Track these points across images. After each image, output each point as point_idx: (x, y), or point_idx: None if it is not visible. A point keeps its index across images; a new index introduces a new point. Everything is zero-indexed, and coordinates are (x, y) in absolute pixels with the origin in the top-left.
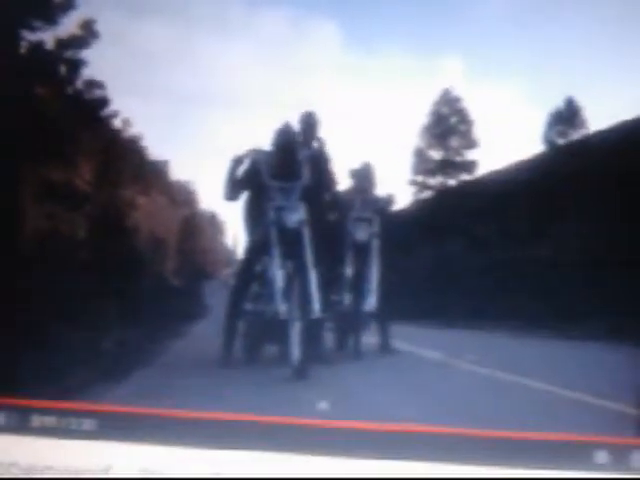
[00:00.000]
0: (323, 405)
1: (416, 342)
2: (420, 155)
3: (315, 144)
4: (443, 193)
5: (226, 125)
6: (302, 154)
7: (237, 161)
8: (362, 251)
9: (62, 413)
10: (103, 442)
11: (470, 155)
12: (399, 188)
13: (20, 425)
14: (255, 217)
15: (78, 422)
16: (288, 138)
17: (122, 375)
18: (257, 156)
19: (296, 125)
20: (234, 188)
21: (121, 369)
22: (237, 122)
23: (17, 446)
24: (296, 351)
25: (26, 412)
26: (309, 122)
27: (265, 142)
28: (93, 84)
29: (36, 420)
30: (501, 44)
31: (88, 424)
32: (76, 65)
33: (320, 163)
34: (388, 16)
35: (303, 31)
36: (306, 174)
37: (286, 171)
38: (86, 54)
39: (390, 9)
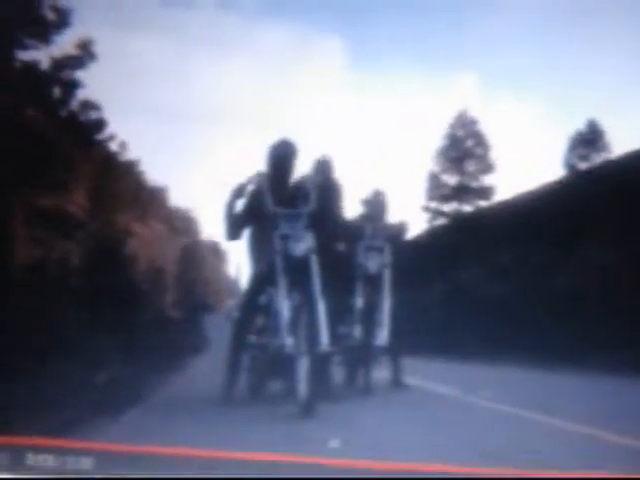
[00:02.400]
0: (332, 444)
1: (429, 377)
2: (434, 180)
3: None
4: (458, 220)
5: (229, 148)
6: (309, 179)
7: (238, 192)
8: (373, 281)
9: (58, 452)
10: None
11: (486, 180)
12: (412, 215)
13: (14, 464)
14: (260, 246)
15: (75, 461)
16: (287, 153)
17: (118, 412)
18: (259, 182)
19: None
20: (236, 224)
21: (117, 406)
22: (240, 144)
23: None
24: (303, 387)
25: (20, 451)
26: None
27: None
28: (89, 105)
29: (31, 459)
30: (518, 64)
31: (85, 463)
32: (71, 86)
33: (328, 189)
34: (396, 33)
35: (306, 48)
36: (313, 200)
37: (289, 196)
38: (82, 75)
39: (398, 25)
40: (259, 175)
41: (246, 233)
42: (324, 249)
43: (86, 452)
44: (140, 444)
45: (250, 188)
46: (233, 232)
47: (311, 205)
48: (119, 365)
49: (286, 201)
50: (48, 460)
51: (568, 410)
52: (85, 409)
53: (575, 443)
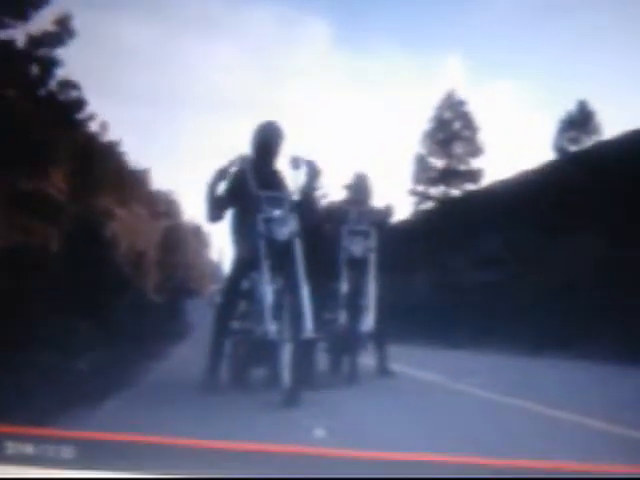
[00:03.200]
0: (318, 432)
1: (416, 364)
2: (421, 163)
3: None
4: (446, 204)
5: (211, 129)
6: (294, 161)
7: (220, 174)
8: (358, 266)
9: (38, 440)
10: (82, 471)
11: (475, 163)
12: (398, 198)
13: None
14: (243, 229)
15: (56, 449)
16: (272, 135)
17: (98, 400)
18: (243, 164)
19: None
20: (218, 206)
21: (97, 393)
22: (223, 126)
23: None
24: (287, 374)
25: (0, 439)
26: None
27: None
28: (68, 85)
29: (11, 447)
30: (505, 44)
31: (66, 452)
32: (49, 64)
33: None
34: (381, 14)
35: (291, 30)
36: (295, 185)
37: (274, 178)
38: (60, 53)
39: (384, 7)
40: (243, 157)
41: (228, 216)
42: (308, 233)
43: (67, 441)
44: (121, 433)
45: (233, 170)
46: (215, 214)
47: (295, 188)
48: (100, 351)
49: (270, 184)
50: (28, 449)
51: (556, 397)
52: (65, 397)
53: (564, 431)
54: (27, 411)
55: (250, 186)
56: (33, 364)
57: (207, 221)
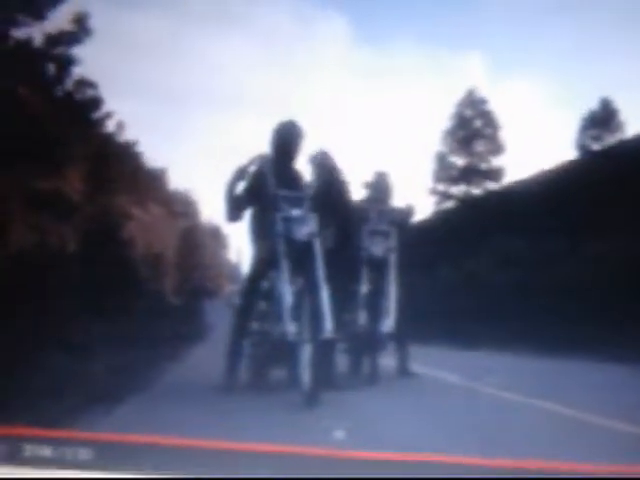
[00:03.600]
0: (337, 434)
1: (437, 365)
2: (442, 161)
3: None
4: (467, 203)
5: (230, 128)
6: (311, 159)
7: (239, 174)
8: (378, 267)
9: (56, 442)
10: (100, 472)
11: (496, 161)
12: (419, 198)
13: (12, 455)
14: (262, 229)
15: (73, 452)
16: (292, 134)
17: (115, 401)
18: (262, 164)
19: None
20: (237, 206)
21: (116, 395)
22: (241, 125)
23: (9, 478)
24: (306, 375)
25: (18, 442)
26: (319, 160)
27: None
28: (84, 83)
29: (29, 450)
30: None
31: (84, 454)
32: (66, 63)
33: (330, 171)
34: (401, 11)
35: (308, 27)
36: (316, 181)
37: (294, 178)
38: (77, 51)
39: (402, 4)
40: (262, 156)
41: (247, 216)
42: (328, 233)
43: (85, 443)
44: (139, 435)
45: (252, 169)
46: (234, 213)
47: (315, 187)
48: (117, 353)
49: (290, 183)
50: (46, 451)
51: (577, 398)
52: (83, 399)
53: (584, 432)
54: (45, 413)
55: (269, 185)
56: (50, 365)
57: (226, 221)
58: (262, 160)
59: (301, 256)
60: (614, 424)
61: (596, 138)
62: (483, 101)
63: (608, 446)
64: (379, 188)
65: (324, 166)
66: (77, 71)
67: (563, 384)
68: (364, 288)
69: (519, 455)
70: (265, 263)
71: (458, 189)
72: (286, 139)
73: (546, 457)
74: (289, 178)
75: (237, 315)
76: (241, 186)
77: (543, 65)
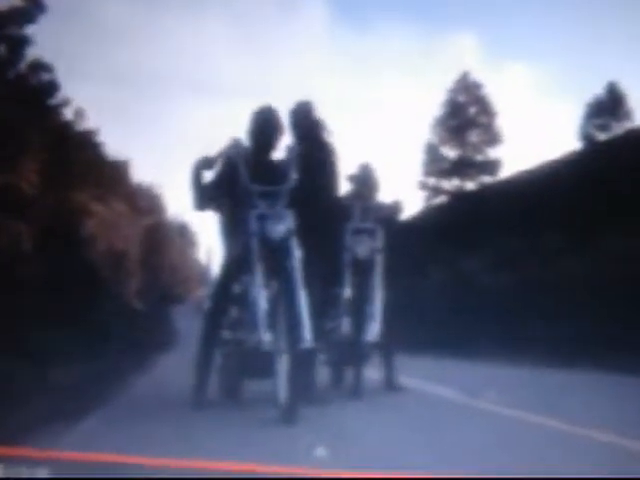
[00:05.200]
0: (318, 453)
1: (427, 377)
2: (432, 153)
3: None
4: (460, 198)
5: (201, 116)
6: (290, 149)
7: (206, 162)
8: (363, 268)
9: (11, 461)
10: None
11: (492, 153)
12: (407, 193)
13: None
14: (233, 227)
15: (30, 472)
16: (269, 121)
17: (76, 417)
18: (235, 153)
19: (284, 116)
20: (205, 195)
21: (75, 410)
22: (212, 112)
23: None
24: (284, 389)
25: None
26: (303, 112)
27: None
28: (39, 66)
29: None
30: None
31: (40, 473)
32: (19, 43)
33: (316, 159)
34: None
35: (287, 6)
36: (294, 175)
37: (270, 171)
38: (31, 30)
39: None
40: (236, 145)
41: (218, 213)
42: (307, 232)
43: (41, 462)
44: (101, 453)
45: (224, 158)
46: (202, 202)
47: (291, 180)
48: (77, 364)
49: (265, 176)
50: None
51: (584, 414)
52: (40, 413)
53: (592, 452)
54: None
55: (242, 178)
56: (6, 377)
57: (194, 209)
58: (236, 149)
59: (276, 257)
60: (624, 442)
61: (602, 127)
62: (477, 86)
63: (618, 466)
64: (363, 182)
65: (305, 120)
66: (31, 53)
67: (570, 398)
68: (347, 292)
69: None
70: (237, 265)
71: (450, 183)
72: (263, 127)
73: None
74: (265, 170)
75: (206, 322)
76: (209, 175)
77: (543, 46)
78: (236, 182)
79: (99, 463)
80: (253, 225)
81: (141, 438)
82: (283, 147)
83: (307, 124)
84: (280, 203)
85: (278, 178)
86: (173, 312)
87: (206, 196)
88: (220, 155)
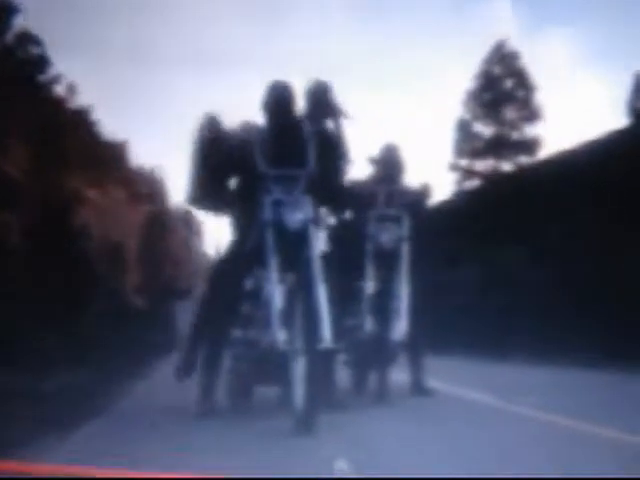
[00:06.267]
0: (338, 465)
1: (458, 380)
2: (464, 130)
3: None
4: (495, 181)
5: (209, 90)
6: (307, 130)
7: (213, 143)
8: (387, 260)
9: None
10: None
11: (531, 130)
12: (436, 176)
13: None
14: (246, 215)
15: None
16: (285, 98)
17: (67, 428)
18: (248, 132)
19: (300, 94)
20: (207, 182)
21: (67, 420)
22: (222, 86)
23: None
24: (300, 394)
25: None
26: (317, 93)
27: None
28: (28, 38)
29: None
30: None
31: None
32: (5, 12)
33: (333, 142)
34: None
35: None
36: (313, 158)
37: (287, 153)
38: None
39: None
40: (248, 124)
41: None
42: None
43: (31, 477)
44: (96, 467)
45: (234, 140)
46: (201, 192)
47: (311, 164)
48: (70, 368)
49: (281, 158)
50: None
51: (634, 421)
52: (31, 424)
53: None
54: None
55: (257, 160)
56: None
57: (188, 202)
58: (248, 129)
59: (293, 248)
60: None
61: None
62: (514, 56)
63: None
64: (388, 164)
65: (320, 102)
66: (18, 23)
67: (614, 403)
68: (370, 286)
69: None
70: (249, 257)
71: (484, 164)
72: (278, 104)
73: None
74: (280, 152)
75: (213, 320)
76: (216, 159)
77: (587, 10)
78: (250, 165)
79: (94, 479)
80: (268, 212)
81: (139, 451)
82: (298, 126)
83: (321, 106)
84: (298, 188)
85: (296, 161)
86: (176, 309)
87: (208, 184)
88: (231, 136)
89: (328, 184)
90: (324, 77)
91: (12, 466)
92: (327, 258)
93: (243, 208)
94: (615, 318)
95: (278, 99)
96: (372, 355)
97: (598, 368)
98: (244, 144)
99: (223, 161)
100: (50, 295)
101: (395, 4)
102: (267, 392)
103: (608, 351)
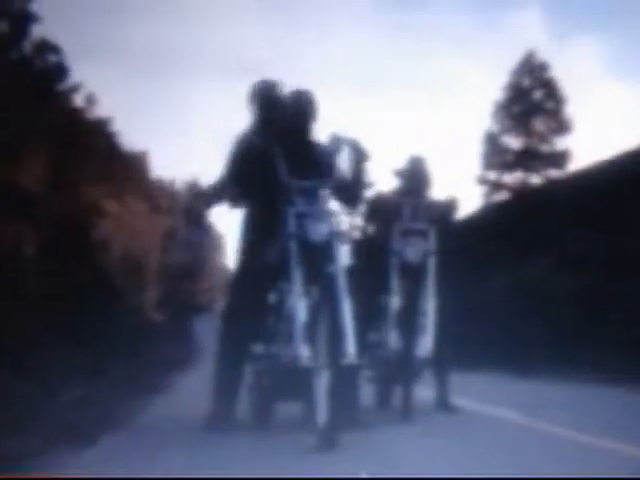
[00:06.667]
0: None
1: (485, 397)
2: (492, 143)
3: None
4: (524, 194)
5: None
6: (332, 142)
7: (246, 146)
8: (413, 274)
9: None
10: None
11: (561, 143)
12: (463, 188)
13: None
14: (268, 228)
15: None
16: (304, 107)
17: (85, 443)
18: (269, 142)
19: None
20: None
21: (85, 434)
22: (242, 96)
23: None
24: (323, 410)
25: None
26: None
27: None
28: (46, 47)
29: None
30: None
31: None
32: (23, 21)
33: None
34: None
35: None
36: (337, 168)
37: (308, 161)
38: (37, 6)
39: None
40: (268, 132)
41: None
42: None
43: None
44: None
45: (256, 149)
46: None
47: (335, 174)
48: (88, 382)
49: (303, 169)
50: None
51: None
52: (47, 438)
53: None
54: (1, 453)
55: (279, 172)
56: (10, 397)
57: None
58: (266, 130)
59: (317, 261)
60: None
61: None
62: (544, 67)
63: None
64: (414, 177)
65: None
66: (37, 31)
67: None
68: (396, 301)
69: None
70: (272, 271)
71: (513, 177)
72: (296, 113)
73: None
74: (302, 162)
75: (235, 335)
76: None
77: (618, 19)
78: (271, 176)
79: None
80: (291, 225)
81: (158, 467)
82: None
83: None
84: (322, 200)
85: (318, 170)
86: (194, 325)
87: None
88: (256, 145)
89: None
90: (349, 87)
91: (26, 477)
92: (351, 272)
93: (265, 220)
94: None
95: (296, 108)
96: (396, 371)
97: (626, 384)
98: (265, 154)
99: (246, 172)
100: (67, 308)
101: (424, 15)
102: (290, 408)
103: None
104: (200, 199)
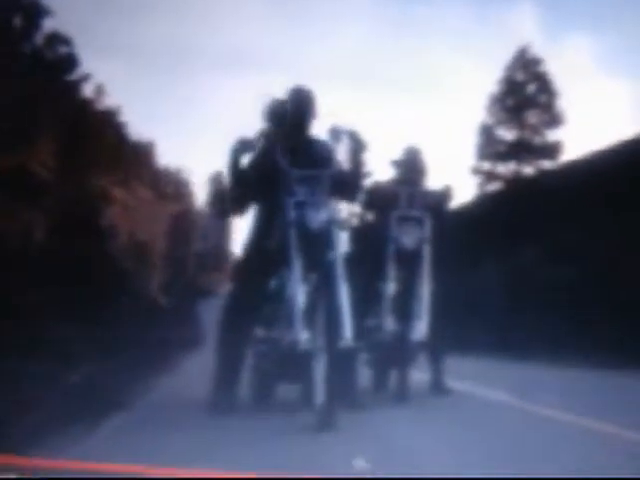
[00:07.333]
0: (358, 463)
1: (479, 380)
2: (487, 134)
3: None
4: (517, 185)
5: (233, 93)
6: (332, 133)
7: (244, 144)
8: (409, 261)
9: (19, 470)
10: None
11: (553, 135)
12: (458, 178)
13: None
14: (269, 216)
15: None
16: (303, 103)
17: (93, 422)
18: (270, 137)
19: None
20: (242, 181)
21: (92, 414)
22: (246, 90)
23: None
24: (321, 392)
25: None
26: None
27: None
28: (57, 39)
29: None
30: None
31: None
32: (35, 14)
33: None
34: None
35: None
36: (336, 160)
37: (307, 153)
38: (48, 1)
39: None
40: (270, 129)
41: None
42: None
43: (54, 471)
44: (119, 462)
45: (259, 144)
46: (239, 203)
47: (334, 165)
48: (95, 364)
49: (303, 160)
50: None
51: None
52: (52, 419)
53: None
54: (5, 436)
55: (279, 163)
56: (17, 378)
57: (229, 214)
58: (270, 133)
59: (316, 248)
60: None
61: None
62: (537, 61)
63: None
64: (410, 166)
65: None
66: (48, 24)
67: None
68: (391, 287)
69: None
70: (272, 257)
71: (506, 168)
72: (296, 109)
73: None
74: (302, 153)
75: (236, 318)
76: (245, 162)
77: (609, 17)
78: (273, 168)
79: (116, 476)
80: (291, 213)
81: (162, 448)
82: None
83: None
84: (321, 189)
85: (317, 161)
86: (200, 308)
87: (244, 183)
88: (257, 139)
89: (355, 184)
90: (348, 80)
91: (30, 461)
92: (349, 259)
93: (266, 209)
94: (635, 318)
95: (296, 104)
96: (392, 355)
97: (622, 369)
98: (266, 148)
99: (251, 166)
100: (76, 292)
101: (420, 10)
102: (288, 390)
103: (632, 352)
104: (217, 205)
